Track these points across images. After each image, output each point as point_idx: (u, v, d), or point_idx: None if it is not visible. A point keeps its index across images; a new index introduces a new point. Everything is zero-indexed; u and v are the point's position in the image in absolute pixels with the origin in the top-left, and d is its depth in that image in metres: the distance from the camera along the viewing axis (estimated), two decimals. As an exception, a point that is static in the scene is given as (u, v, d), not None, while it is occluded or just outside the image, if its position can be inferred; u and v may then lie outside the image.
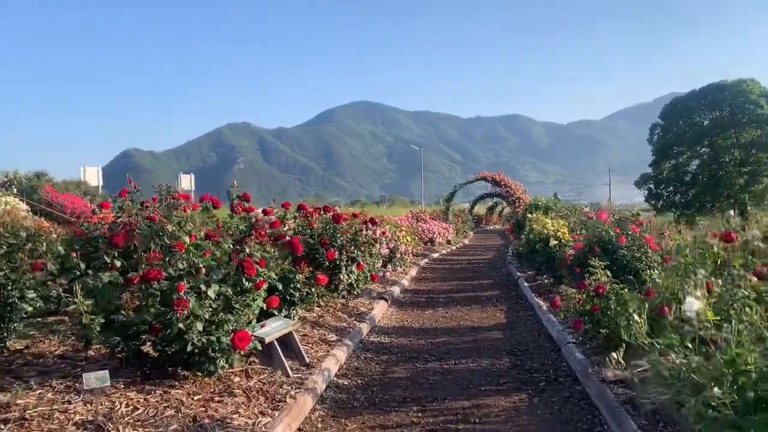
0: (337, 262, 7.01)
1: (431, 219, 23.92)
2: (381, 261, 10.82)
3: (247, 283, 4.27)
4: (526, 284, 10.99)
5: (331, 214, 7.20)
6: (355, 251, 7.27)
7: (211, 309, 4.04)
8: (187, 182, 36.12)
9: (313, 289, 5.67)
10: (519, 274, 12.62)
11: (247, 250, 4.63)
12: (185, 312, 3.84)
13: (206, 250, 4.38)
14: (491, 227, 47.25)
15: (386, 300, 9.27)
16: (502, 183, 25.79)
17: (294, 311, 5.53)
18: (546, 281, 11.06)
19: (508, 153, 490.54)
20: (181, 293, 3.88)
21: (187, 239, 4.29)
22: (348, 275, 7.28)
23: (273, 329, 4.88)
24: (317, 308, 7.26)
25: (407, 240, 14.32)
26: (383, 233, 10.67)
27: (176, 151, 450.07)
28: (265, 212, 7.94)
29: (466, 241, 27.37)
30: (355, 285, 7.83)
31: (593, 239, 7.28)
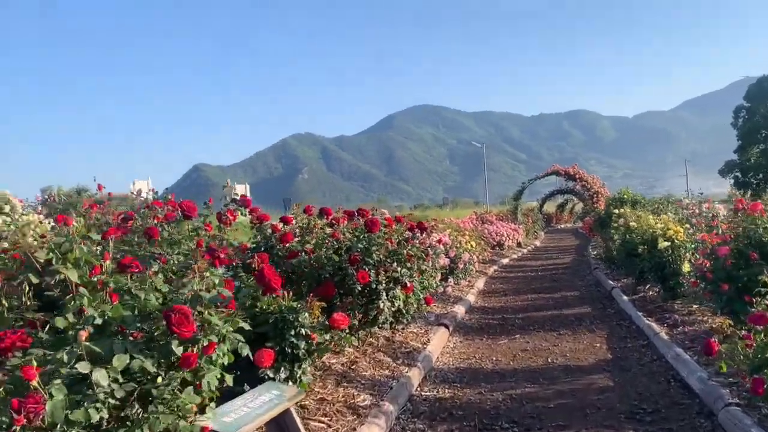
0: (374, 286, 5.04)
1: (498, 220, 21.63)
2: (439, 274, 8.80)
3: (177, 349, 2.36)
4: (624, 298, 8.70)
5: (364, 219, 5.23)
6: (399, 268, 5.28)
7: (105, 407, 2.16)
8: (242, 192, 35.15)
9: (329, 335, 3.72)
10: (611, 283, 10.29)
11: (196, 285, 2.70)
12: (38, 421, 1.97)
13: (121, 291, 2.51)
14: (562, 226, 44.17)
15: (447, 326, 7.23)
16: (577, 177, 23.16)
17: (299, 370, 3.62)
18: (651, 293, 8.73)
19: (573, 149, 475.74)
20: (33, 382, 2.01)
21: (74, 275, 2.41)
22: (391, 301, 5.30)
23: (251, 412, 2.96)
24: (350, 348, 5.30)
25: (471, 246, 12.22)
26: (440, 240, 8.63)
27: (243, 164, 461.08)
28: (284, 221, 6.10)
29: (537, 243, 24.87)
30: (403, 311, 5.84)
31: (745, 241, 4.98)
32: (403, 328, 6.55)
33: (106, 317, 2.34)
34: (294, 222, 6.07)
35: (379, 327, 5.58)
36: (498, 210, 35.32)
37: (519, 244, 21.63)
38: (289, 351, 3.57)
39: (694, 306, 7.18)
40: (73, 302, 2.32)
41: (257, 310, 3.68)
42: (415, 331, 6.73)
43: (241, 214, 4.98)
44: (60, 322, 2.26)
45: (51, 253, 2.39)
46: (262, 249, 5.41)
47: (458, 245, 10.33)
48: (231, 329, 2.65)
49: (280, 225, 5.96)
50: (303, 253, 5.12)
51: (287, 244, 5.05)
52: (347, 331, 5.00)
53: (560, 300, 9.81)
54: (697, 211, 13.95)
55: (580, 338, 6.93)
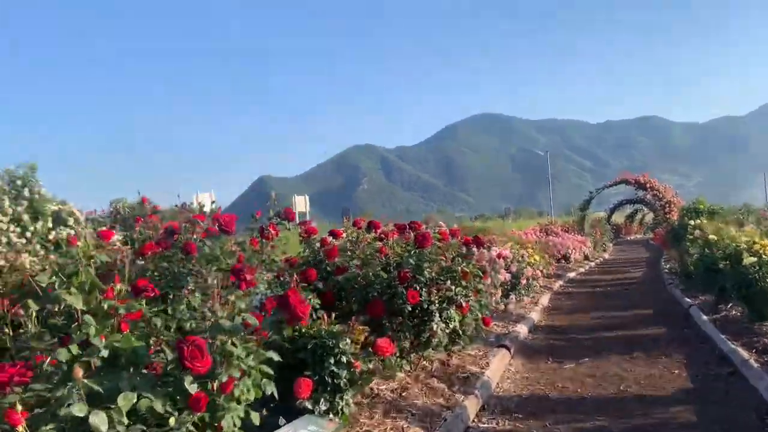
0: (425, 306, 4.65)
1: (563, 231, 20.80)
2: (499, 291, 8.32)
3: (191, 386, 2.06)
4: (703, 317, 7.96)
5: (415, 234, 4.86)
6: (454, 287, 4.87)
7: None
8: (302, 204, 35.35)
9: (371, 363, 3.35)
10: (688, 300, 9.50)
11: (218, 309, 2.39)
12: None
13: (129, 313, 2.23)
14: (632, 237, 42.35)
15: (508, 348, 6.74)
16: (648, 186, 22.00)
17: (341, 402, 3.28)
18: (734, 313, 7.96)
19: (642, 157, 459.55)
20: (19, 428, 1.75)
21: (78, 301, 2.14)
22: (445, 323, 4.89)
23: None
24: (401, 373, 4.92)
25: (535, 259, 11.63)
26: (500, 255, 8.15)
27: (305, 176, 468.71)
28: (333, 234, 5.82)
29: (606, 256, 23.80)
30: (459, 333, 5.42)
31: None
32: (459, 350, 6.12)
33: (114, 349, 2.06)
34: (344, 235, 5.78)
35: (432, 350, 5.18)
36: (563, 221, 34.18)
37: (586, 257, 20.71)
38: (329, 380, 3.24)
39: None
40: (78, 332, 2.05)
41: (296, 333, 3.38)
42: (472, 353, 6.29)
43: (285, 227, 4.71)
44: (63, 355, 2.01)
45: (54, 277, 2.14)
46: (311, 264, 5.13)
47: (520, 259, 9.80)
48: (256, 362, 2.34)
49: (330, 238, 5.68)
50: (351, 269, 4.81)
51: (333, 259, 4.74)
52: (397, 354, 4.64)
53: (632, 319, 9.12)
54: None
55: (656, 363, 6.31)
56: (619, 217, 44.45)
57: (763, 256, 6.77)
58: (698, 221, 12.66)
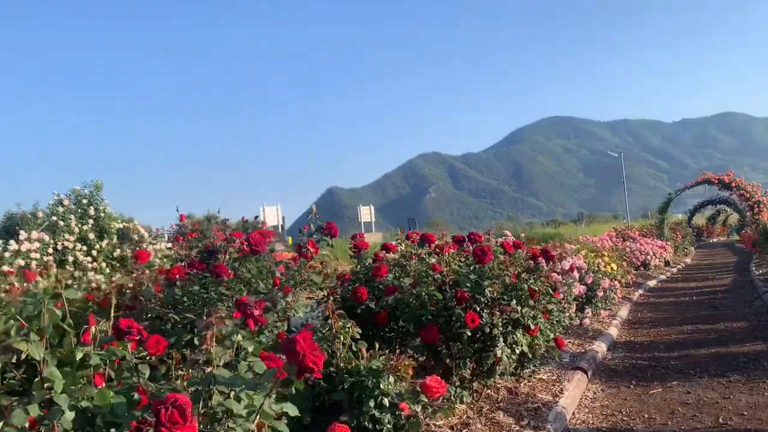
0: (487, 330, 4.11)
1: (641, 236, 19.53)
2: (574, 305, 7.63)
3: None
4: (812, 333, 7.01)
5: (474, 247, 4.33)
6: (520, 308, 4.31)
7: None
8: (367, 214, 35.17)
9: (419, 407, 2.84)
10: (790, 312, 8.49)
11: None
12: None
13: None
14: (714, 240, 39.85)
15: (584, 370, 6.08)
16: (734, 185, 20.37)
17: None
18: None
19: (722, 156, 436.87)
20: None
21: (37, 351, 1.73)
22: (511, 348, 4.34)
23: None
24: (462, 405, 4.39)
25: (612, 269, 10.78)
26: (572, 267, 7.46)
27: (372, 186, 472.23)
28: (387, 248, 5.39)
29: (688, 260, 22.27)
30: (529, 356, 4.84)
31: None
32: (530, 375, 5.53)
33: (83, 409, 1.67)
34: (398, 249, 5.33)
35: (498, 377, 4.63)
36: (640, 224, 32.47)
37: (667, 263, 19.39)
38: (370, 426, 2.77)
39: None
40: (40, 389, 1.68)
41: (332, 369, 2.94)
42: (544, 377, 5.68)
43: (327, 244, 4.29)
44: (17, 418, 1.62)
45: (10, 321, 1.78)
46: (362, 281, 4.71)
47: (595, 269, 9.04)
48: (267, 418, 1.90)
49: (383, 253, 5.24)
50: (404, 288, 4.35)
51: (382, 278, 4.30)
52: (456, 384, 4.14)
53: (724, 333, 8.19)
54: None
55: (759, 388, 5.50)
56: (700, 219, 42.01)
57: None
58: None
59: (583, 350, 7.05)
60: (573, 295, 7.27)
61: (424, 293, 4.15)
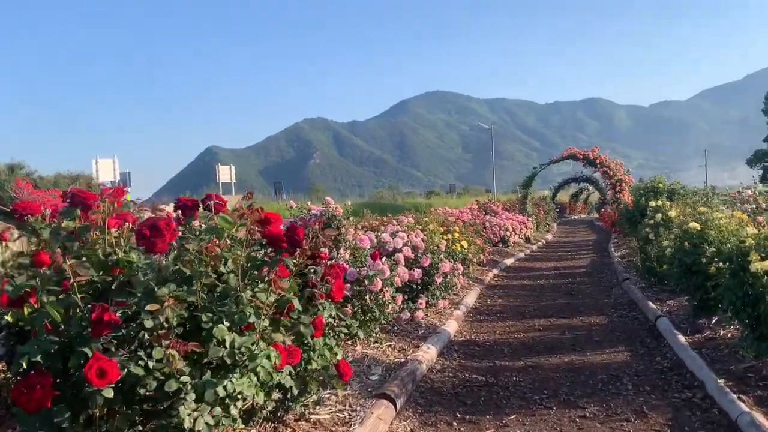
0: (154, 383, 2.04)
1: (504, 210, 18.52)
2: (400, 297, 5.81)
3: None
4: (681, 339, 5.61)
5: (140, 224, 2.23)
6: (235, 335, 2.28)
7: None
8: (226, 174, 32.12)
9: None
10: (653, 306, 7.21)
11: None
12: None
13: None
14: (576, 217, 41.00)
15: (392, 399, 4.23)
16: (598, 161, 19.87)
17: None
18: (724, 333, 5.67)
19: (588, 138, 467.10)
20: None
21: None
22: (224, 404, 2.32)
23: None
24: None
25: (461, 246, 9.18)
26: (392, 248, 5.59)
27: (255, 148, 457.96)
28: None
29: (549, 237, 21.77)
30: (294, 393, 2.87)
31: None
32: (302, 416, 3.58)
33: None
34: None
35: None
36: (507, 198, 32.18)
37: (528, 240, 18.55)
38: None
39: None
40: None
41: None
42: (326, 416, 3.75)
43: None
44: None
45: None
46: None
47: (434, 249, 7.28)
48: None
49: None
50: None
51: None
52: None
53: (581, 331, 6.77)
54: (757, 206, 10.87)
55: (619, 418, 3.95)
56: (564, 196, 43.07)
57: (784, 260, 4.42)
58: (660, 202, 10.49)
59: (403, 359, 5.23)
60: (392, 285, 5.43)
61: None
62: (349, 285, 5.04)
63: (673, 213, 9.84)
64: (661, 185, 12.82)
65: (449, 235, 9.13)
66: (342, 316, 3.78)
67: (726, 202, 11.91)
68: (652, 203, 10.58)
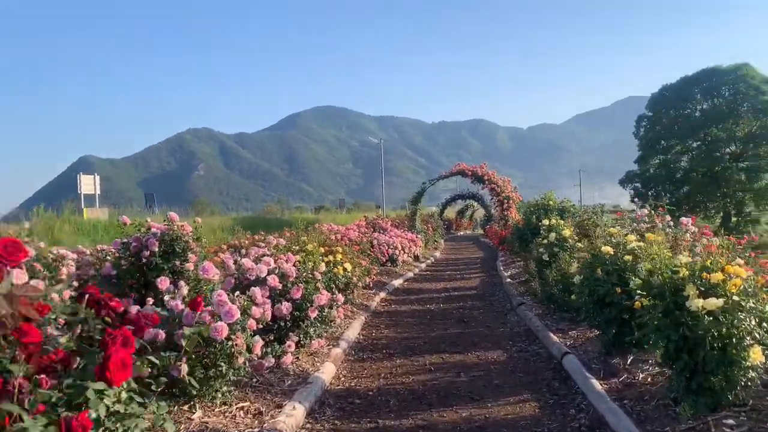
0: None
1: (393, 227, 17.65)
2: (259, 343, 4.51)
3: None
4: (596, 384, 4.72)
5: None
6: None
7: None
8: (89, 185, 28.98)
9: None
10: (556, 340, 6.40)
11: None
12: None
13: None
14: (462, 233, 41.47)
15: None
16: (486, 178, 19.57)
17: None
18: (643, 377, 4.85)
19: (471, 157, 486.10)
20: None
21: None
22: None
23: None
24: None
25: (345, 270, 8.00)
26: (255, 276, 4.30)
27: (134, 158, 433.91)
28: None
29: (437, 254, 21.18)
30: None
31: None
32: None
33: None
34: None
35: None
36: (396, 214, 31.60)
37: (417, 258, 17.76)
38: None
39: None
40: None
41: None
42: None
43: None
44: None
45: None
46: None
47: (309, 278, 6.03)
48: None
49: None
50: None
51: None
52: None
53: (479, 372, 5.77)
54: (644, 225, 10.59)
55: None
56: (450, 213, 43.48)
57: (731, 298, 3.59)
58: (553, 221, 9.93)
59: (257, 429, 3.92)
60: (249, 329, 4.12)
61: None
62: (183, 331, 3.70)
63: (567, 232, 9.27)
64: (551, 202, 12.39)
65: (331, 257, 7.94)
66: (140, 399, 2.45)
67: (618, 221, 11.64)
68: (545, 221, 10.01)
